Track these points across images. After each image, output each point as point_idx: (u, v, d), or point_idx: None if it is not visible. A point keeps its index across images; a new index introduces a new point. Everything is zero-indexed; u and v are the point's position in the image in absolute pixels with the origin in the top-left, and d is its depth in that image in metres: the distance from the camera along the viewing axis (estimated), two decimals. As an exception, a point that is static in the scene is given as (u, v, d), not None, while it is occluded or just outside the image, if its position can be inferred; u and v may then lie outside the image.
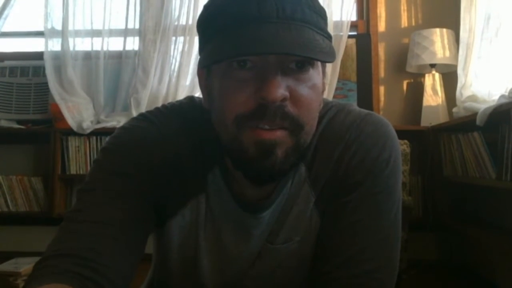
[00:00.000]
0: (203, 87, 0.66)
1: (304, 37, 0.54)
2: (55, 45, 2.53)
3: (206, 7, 0.60)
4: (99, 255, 0.56)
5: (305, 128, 0.58)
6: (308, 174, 0.66)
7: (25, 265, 1.93)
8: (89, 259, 0.55)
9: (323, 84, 0.65)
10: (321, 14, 0.59)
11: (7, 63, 2.65)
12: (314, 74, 0.59)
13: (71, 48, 2.53)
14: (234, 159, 0.62)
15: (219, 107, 0.59)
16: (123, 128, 0.68)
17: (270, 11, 0.54)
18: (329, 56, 0.56)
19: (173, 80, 2.50)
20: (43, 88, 2.55)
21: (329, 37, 0.60)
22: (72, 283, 0.52)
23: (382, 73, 2.60)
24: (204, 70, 0.64)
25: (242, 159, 0.59)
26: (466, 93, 2.10)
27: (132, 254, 0.60)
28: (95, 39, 2.56)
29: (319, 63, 0.60)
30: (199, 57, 0.62)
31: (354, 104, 0.71)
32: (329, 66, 2.30)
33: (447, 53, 2.33)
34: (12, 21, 2.69)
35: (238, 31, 0.54)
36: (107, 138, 0.68)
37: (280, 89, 0.54)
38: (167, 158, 0.65)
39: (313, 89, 0.58)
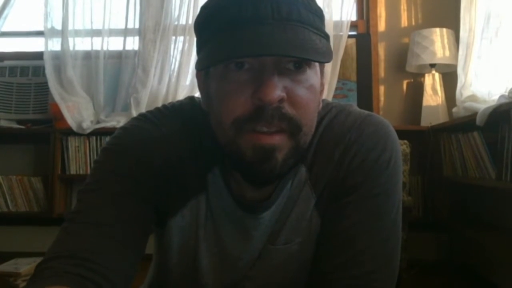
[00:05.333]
0: (201, 89, 0.66)
1: (299, 38, 0.54)
2: (55, 45, 2.53)
3: (203, 8, 0.60)
4: (99, 256, 0.56)
5: (304, 129, 0.58)
6: (308, 175, 0.66)
7: (25, 266, 1.93)
8: (89, 260, 0.55)
9: (322, 84, 0.65)
10: (318, 13, 0.59)
11: (7, 63, 2.65)
12: (311, 74, 0.59)
13: (71, 48, 2.53)
14: (232, 162, 0.62)
15: (217, 109, 0.59)
16: (123, 128, 0.68)
17: (265, 12, 0.54)
18: (325, 56, 0.56)
19: (173, 79, 2.50)
20: (43, 88, 2.55)
21: (326, 36, 0.60)
22: (72, 284, 0.52)
23: (382, 73, 2.60)
24: (202, 72, 0.64)
25: (240, 162, 0.59)
26: (466, 93, 2.10)
27: (132, 254, 0.60)
28: (95, 38, 2.56)
29: (316, 64, 0.60)
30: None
31: (354, 105, 0.71)
32: (329, 66, 2.30)
33: (447, 53, 2.33)
34: (12, 21, 2.69)
35: (234, 33, 0.54)
36: (108, 138, 0.68)
37: (277, 90, 0.54)
38: (168, 158, 0.65)
39: (310, 90, 0.58)
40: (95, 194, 0.62)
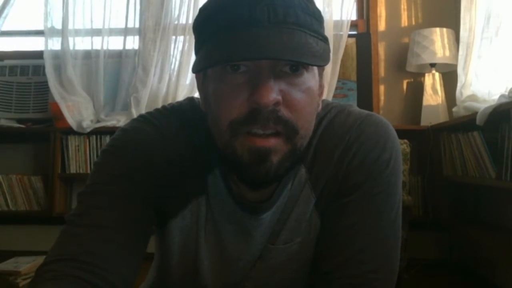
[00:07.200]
0: (200, 90, 0.66)
1: (295, 41, 0.54)
2: (55, 44, 2.53)
3: (201, 9, 0.60)
4: (99, 259, 0.56)
5: (300, 132, 0.58)
6: (308, 176, 0.66)
7: (25, 264, 1.93)
8: (89, 262, 0.55)
9: (321, 86, 0.65)
10: (316, 16, 0.58)
11: (7, 62, 2.65)
12: (309, 77, 0.58)
13: (71, 47, 2.53)
14: (229, 164, 0.62)
15: (214, 112, 0.60)
16: (123, 129, 0.68)
17: (261, 15, 0.54)
18: (321, 59, 0.55)
19: (173, 79, 2.50)
20: (43, 87, 2.55)
21: (324, 39, 0.59)
22: (72, 287, 0.53)
23: (382, 73, 2.60)
24: (201, 73, 0.64)
25: (236, 165, 0.59)
26: (466, 92, 2.10)
27: (132, 256, 0.60)
28: (95, 38, 2.56)
29: (314, 66, 0.60)
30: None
31: (354, 105, 0.71)
32: (329, 66, 2.30)
33: (447, 53, 2.33)
34: (12, 20, 2.69)
35: (230, 35, 0.54)
36: (108, 138, 0.68)
37: (272, 93, 0.54)
38: (167, 159, 0.65)
39: (307, 93, 0.58)
40: (95, 196, 0.62)
